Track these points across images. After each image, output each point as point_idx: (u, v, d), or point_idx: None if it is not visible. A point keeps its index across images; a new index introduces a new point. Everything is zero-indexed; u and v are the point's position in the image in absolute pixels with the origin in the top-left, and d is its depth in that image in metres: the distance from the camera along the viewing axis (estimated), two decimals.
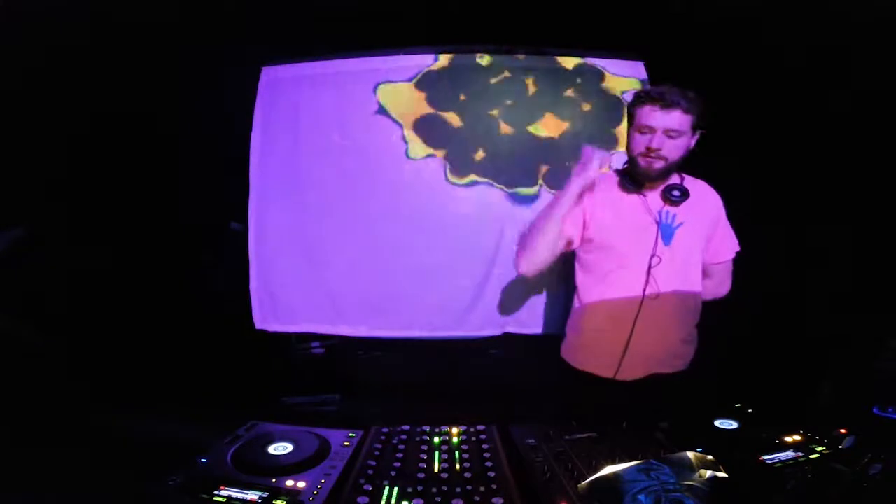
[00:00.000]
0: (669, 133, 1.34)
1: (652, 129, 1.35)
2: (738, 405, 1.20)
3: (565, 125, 2.33)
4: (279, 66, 2.38)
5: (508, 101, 2.34)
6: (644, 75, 2.35)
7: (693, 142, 1.40)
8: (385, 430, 1.12)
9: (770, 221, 1.94)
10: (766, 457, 0.96)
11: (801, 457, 0.96)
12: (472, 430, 1.12)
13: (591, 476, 0.86)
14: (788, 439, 1.02)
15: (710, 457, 0.86)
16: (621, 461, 0.88)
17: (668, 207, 1.42)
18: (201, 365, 1.95)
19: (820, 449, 0.98)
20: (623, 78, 2.36)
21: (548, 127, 2.33)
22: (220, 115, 2.22)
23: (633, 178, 1.45)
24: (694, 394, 1.42)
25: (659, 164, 1.37)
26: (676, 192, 1.39)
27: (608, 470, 0.86)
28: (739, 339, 1.99)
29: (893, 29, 1.48)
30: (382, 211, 2.31)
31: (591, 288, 1.49)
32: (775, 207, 1.95)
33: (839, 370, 1.63)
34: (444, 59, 2.36)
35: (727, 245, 1.52)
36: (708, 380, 1.52)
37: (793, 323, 1.93)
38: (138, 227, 2.04)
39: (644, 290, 1.40)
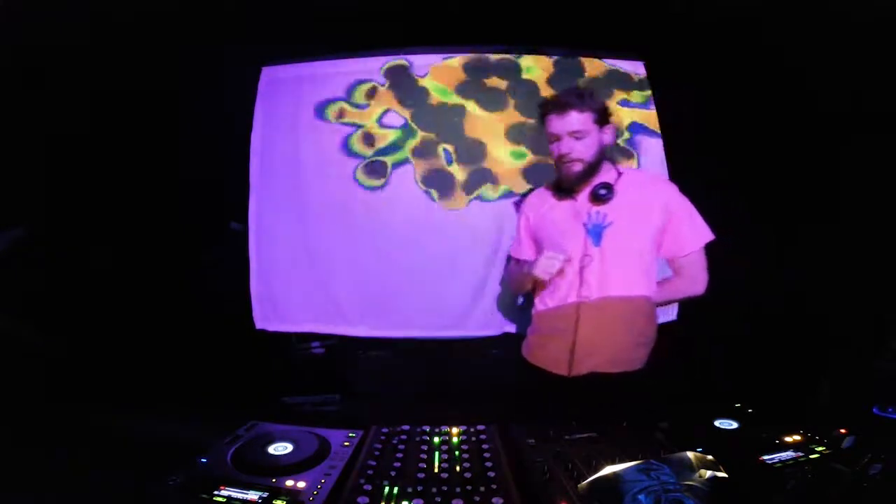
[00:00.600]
0: (574, 135, 1.35)
1: (557, 136, 1.37)
2: (738, 405, 1.20)
3: None
4: (279, 66, 2.37)
5: (508, 101, 2.33)
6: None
7: (607, 137, 1.40)
8: (385, 430, 1.12)
9: (770, 221, 1.94)
10: (766, 457, 0.96)
11: (801, 457, 0.96)
12: (472, 430, 1.12)
13: (591, 476, 0.86)
14: (788, 439, 1.02)
15: (710, 457, 0.86)
16: (621, 461, 0.88)
17: (597, 207, 1.40)
18: (201, 365, 1.95)
19: (820, 449, 0.98)
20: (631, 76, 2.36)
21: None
22: (220, 115, 2.22)
23: (562, 185, 1.46)
24: (670, 393, 1.41)
25: (577, 168, 1.37)
26: (602, 191, 1.38)
27: (608, 470, 0.86)
28: (739, 339, 1.99)
29: (893, 29, 1.48)
30: (382, 211, 2.31)
31: (540, 294, 1.52)
32: (775, 206, 1.95)
33: (839, 370, 1.63)
34: (443, 59, 2.36)
35: (690, 235, 1.40)
36: (676, 379, 1.50)
37: (792, 323, 1.93)
38: (138, 227, 2.05)
39: (579, 292, 1.40)
